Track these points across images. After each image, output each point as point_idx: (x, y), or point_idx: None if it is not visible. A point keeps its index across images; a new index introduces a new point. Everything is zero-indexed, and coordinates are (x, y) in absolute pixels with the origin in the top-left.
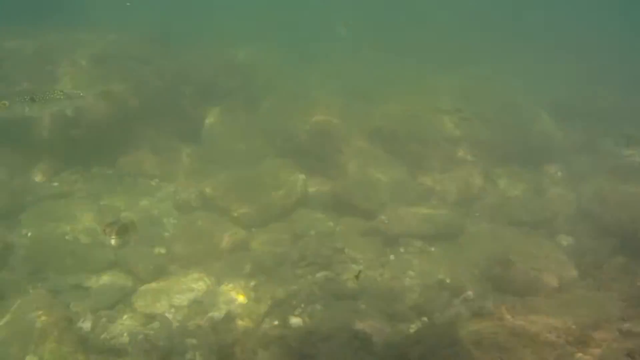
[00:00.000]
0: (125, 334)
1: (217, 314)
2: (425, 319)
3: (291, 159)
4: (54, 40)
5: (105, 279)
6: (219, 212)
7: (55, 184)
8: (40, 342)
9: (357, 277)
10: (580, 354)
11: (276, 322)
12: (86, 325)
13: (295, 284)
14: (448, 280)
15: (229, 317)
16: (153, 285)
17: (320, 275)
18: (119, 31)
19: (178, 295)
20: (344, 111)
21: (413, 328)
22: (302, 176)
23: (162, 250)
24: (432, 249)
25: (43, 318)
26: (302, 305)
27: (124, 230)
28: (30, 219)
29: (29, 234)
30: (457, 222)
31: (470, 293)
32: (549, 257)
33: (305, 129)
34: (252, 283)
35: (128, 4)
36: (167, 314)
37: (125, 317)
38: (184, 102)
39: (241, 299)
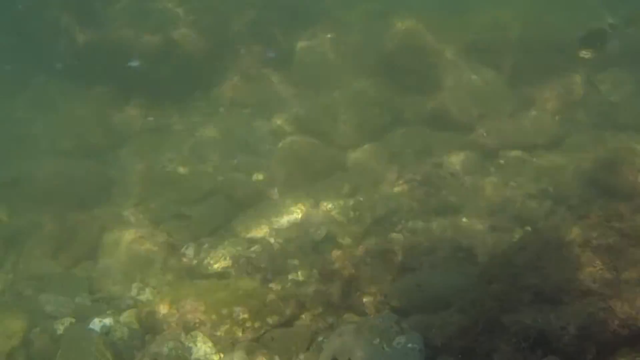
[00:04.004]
0: (227, 258)
1: (318, 233)
2: (528, 228)
3: (384, 77)
4: None
5: (206, 206)
6: (314, 135)
7: (151, 118)
8: (145, 271)
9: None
10: None
11: (377, 239)
12: (189, 252)
13: (394, 201)
14: (551, 189)
15: (330, 237)
16: (252, 210)
17: (419, 191)
18: None
19: (277, 219)
20: (436, 22)
21: (516, 237)
22: (396, 94)
23: (260, 176)
24: (534, 159)
25: (147, 247)
26: (403, 222)
27: None
28: (129, 153)
29: (129, 168)
30: (559, 130)
31: (574, 199)
32: None
33: (396, 43)
34: (351, 202)
35: None
36: (267, 237)
37: (226, 242)
38: (273, 30)
39: (341, 218)
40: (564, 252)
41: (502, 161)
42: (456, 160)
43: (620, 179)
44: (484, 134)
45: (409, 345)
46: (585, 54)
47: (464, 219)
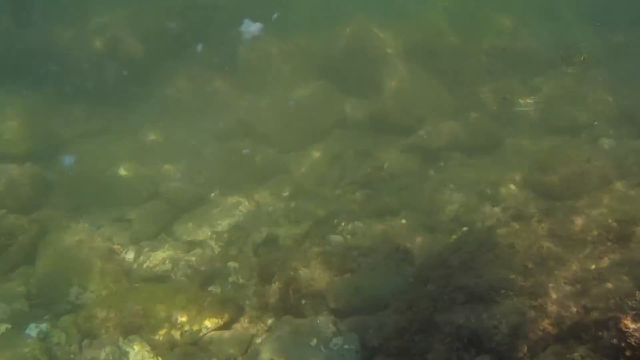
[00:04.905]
0: (167, 262)
1: (258, 236)
2: (465, 229)
3: (328, 80)
4: None
5: (146, 210)
6: (257, 138)
7: (93, 121)
8: (83, 275)
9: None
10: (621, 250)
11: (317, 241)
12: (129, 255)
13: (335, 203)
14: (489, 191)
15: (270, 239)
16: (193, 213)
17: (360, 193)
18: None
19: (219, 221)
20: (379, 27)
21: (454, 238)
22: (339, 97)
23: (202, 179)
24: (472, 160)
25: (86, 251)
26: (343, 224)
27: None
28: (69, 156)
29: (69, 171)
30: (497, 133)
31: (511, 201)
32: (590, 160)
33: (341, 47)
34: (293, 205)
35: None
36: (208, 240)
37: (167, 245)
38: (214, 32)
39: (282, 220)
40: (497, 253)
41: (442, 163)
42: (397, 162)
43: (555, 180)
44: (424, 136)
45: (346, 346)
46: (570, 70)
47: (403, 221)
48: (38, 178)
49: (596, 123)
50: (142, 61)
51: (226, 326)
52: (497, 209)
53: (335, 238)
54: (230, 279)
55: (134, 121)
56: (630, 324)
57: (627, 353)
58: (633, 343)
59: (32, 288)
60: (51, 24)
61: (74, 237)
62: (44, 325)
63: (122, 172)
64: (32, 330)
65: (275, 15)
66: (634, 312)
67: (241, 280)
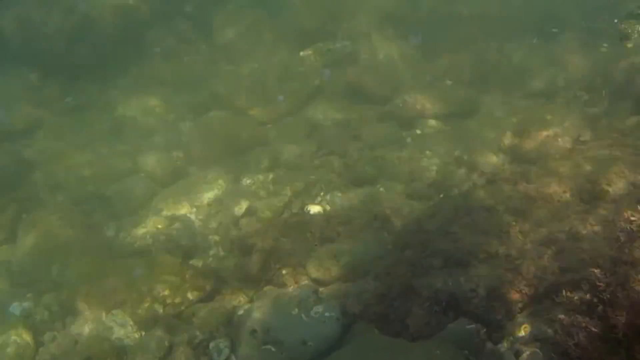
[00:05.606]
0: (148, 237)
1: (238, 209)
2: (442, 195)
3: (302, 49)
4: None
5: (126, 186)
6: (233, 110)
7: (69, 98)
8: (65, 252)
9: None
10: (594, 209)
11: (296, 212)
12: (109, 231)
13: (313, 174)
14: (465, 157)
15: (250, 211)
16: (173, 188)
17: (337, 163)
18: None
19: (198, 195)
20: None
21: (431, 204)
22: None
23: (180, 154)
24: (449, 127)
25: (66, 228)
26: (322, 194)
27: None
28: (47, 135)
29: (47, 150)
30: (472, 99)
31: (486, 166)
32: (564, 123)
33: (313, 18)
34: (271, 176)
35: None
36: (188, 214)
37: (147, 220)
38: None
39: (261, 192)
40: (473, 217)
41: (418, 131)
42: (374, 131)
43: (530, 143)
44: (400, 104)
45: (327, 314)
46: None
47: (381, 189)
48: (16, 157)
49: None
50: (119, 36)
51: (208, 298)
52: (473, 175)
53: (315, 208)
54: (211, 252)
55: (110, 97)
56: (601, 282)
57: (599, 309)
58: (605, 298)
59: (14, 267)
60: (23, 1)
61: (54, 215)
62: (27, 304)
63: (100, 149)
64: (16, 309)
65: None
66: (605, 270)
67: (222, 253)
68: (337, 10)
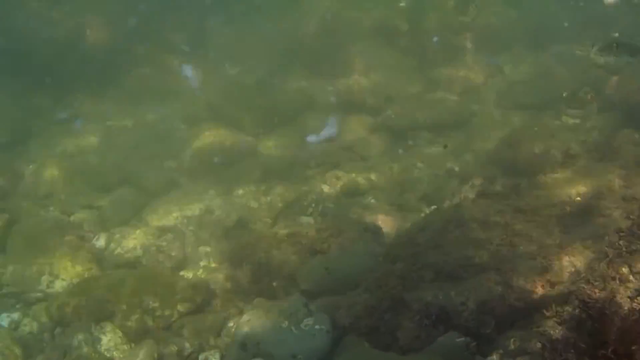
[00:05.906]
0: (138, 248)
1: (229, 220)
2: (434, 207)
3: (296, 61)
4: None
5: (117, 196)
6: (226, 121)
7: (61, 108)
8: (54, 263)
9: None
10: (584, 224)
11: (287, 223)
12: (100, 242)
13: (305, 185)
14: (457, 169)
15: (241, 222)
16: (164, 198)
17: (329, 174)
18: None
19: (189, 206)
20: (348, 6)
21: (422, 217)
22: (305, 81)
23: (172, 164)
24: (440, 139)
25: (56, 239)
26: (313, 205)
27: None
28: (38, 144)
29: (38, 159)
30: (464, 111)
31: (478, 178)
32: (555, 135)
33: (309, 29)
34: (263, 187)
35: None
36: (179, 225)
37: (138, 231)
38: (185, 18)
39: (253, 203)
40: (464, 230)
41: (410, 142)
42: (366, 142)
43: (521, 156)
44: (392, 115)
45: (317, 326)
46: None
47: (372, 200)
48: (6, 166)
49: (565, 94)
50: (110, 47)
51: (199, 310)
52: (464, 187)
53: (306, 220)
54: (202, 263)
55: (102, 107)
56: (591, 297)
57: (588, 324)
58: (594, 314)
59: (3, 277)
60: (13, 11)
61: (44, 225)
62: (15, 315)
63: (92, 159)
64: (4, 320)
65: None
66: (595, 285)
67: (213, 265)
68: None
